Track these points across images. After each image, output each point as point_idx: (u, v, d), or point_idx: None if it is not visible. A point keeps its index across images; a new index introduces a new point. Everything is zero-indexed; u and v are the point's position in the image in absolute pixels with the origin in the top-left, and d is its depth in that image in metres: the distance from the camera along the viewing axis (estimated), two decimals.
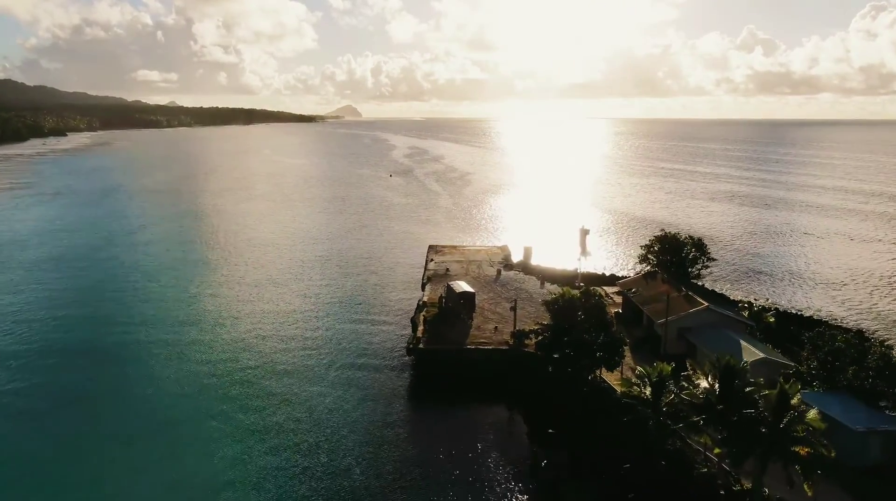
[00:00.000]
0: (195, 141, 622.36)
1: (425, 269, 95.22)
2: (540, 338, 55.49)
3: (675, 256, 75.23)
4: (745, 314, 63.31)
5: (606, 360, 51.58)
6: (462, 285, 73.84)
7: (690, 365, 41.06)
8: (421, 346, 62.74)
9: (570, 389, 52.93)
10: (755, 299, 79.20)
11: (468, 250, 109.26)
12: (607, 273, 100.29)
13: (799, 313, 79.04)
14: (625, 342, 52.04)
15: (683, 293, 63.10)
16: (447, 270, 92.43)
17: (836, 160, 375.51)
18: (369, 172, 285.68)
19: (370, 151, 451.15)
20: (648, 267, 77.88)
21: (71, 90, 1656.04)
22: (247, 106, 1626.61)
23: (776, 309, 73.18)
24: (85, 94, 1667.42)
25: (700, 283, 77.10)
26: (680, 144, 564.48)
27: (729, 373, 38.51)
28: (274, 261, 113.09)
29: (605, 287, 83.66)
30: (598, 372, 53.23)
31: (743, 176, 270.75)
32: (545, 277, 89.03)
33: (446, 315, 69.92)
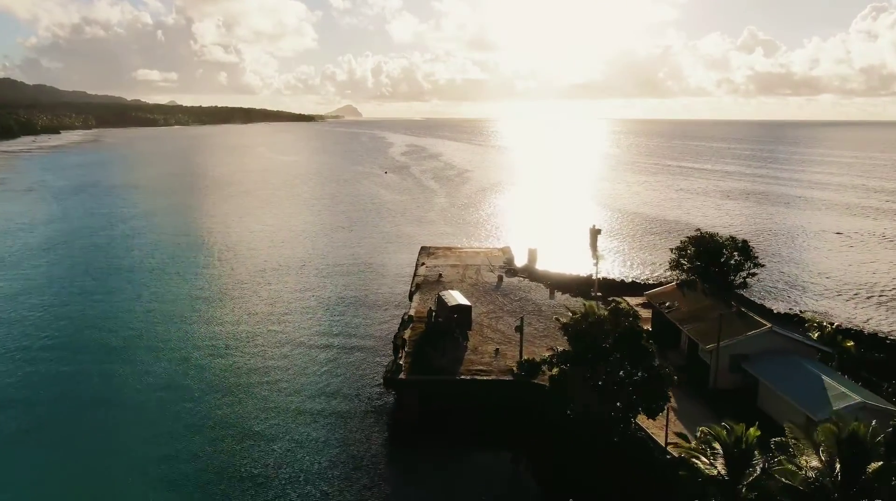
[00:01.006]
0: (188, 139, 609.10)
1: (414, 275, 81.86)
2: (555, 371, 42.12)
3: (713, 261, 61.89)
4: (815, 336, 49.92)
5: (647, 404, 38.25)
6: (455, 297, 60.39)
7: (789, 430, 27.66)
8: (402, 376, 49.38)
9: (596, 440, 39.60)
10: (823, 318, 63.26)
11: (465, 252, 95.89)
12: (627, 280, 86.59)
13: (885, 337, 63.76)
14: (672, 378, 38.77)
15: (735, 310, 49.67)
16: (440, 276, 79.09)
17: (846, 158, 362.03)
18: (363, 169, 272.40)
19: (366, 149, 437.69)
20: (682, 274, 64.56)
21: (70, 89, 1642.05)
22: (247, 106, 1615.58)
23: (854, 331, 59.69)
24: (84, 93, 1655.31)
25: (743, 294, 63.76)
26: (684, 143, 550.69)
27: (855, 445, 25.18)
28: (244, 264, 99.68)
29: (626, 298, 70.23)
30: (634, 419, 39.88)
31: (755, 173, 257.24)
32: (555, 284, 75.58)
33: (435, 334, 56.56)
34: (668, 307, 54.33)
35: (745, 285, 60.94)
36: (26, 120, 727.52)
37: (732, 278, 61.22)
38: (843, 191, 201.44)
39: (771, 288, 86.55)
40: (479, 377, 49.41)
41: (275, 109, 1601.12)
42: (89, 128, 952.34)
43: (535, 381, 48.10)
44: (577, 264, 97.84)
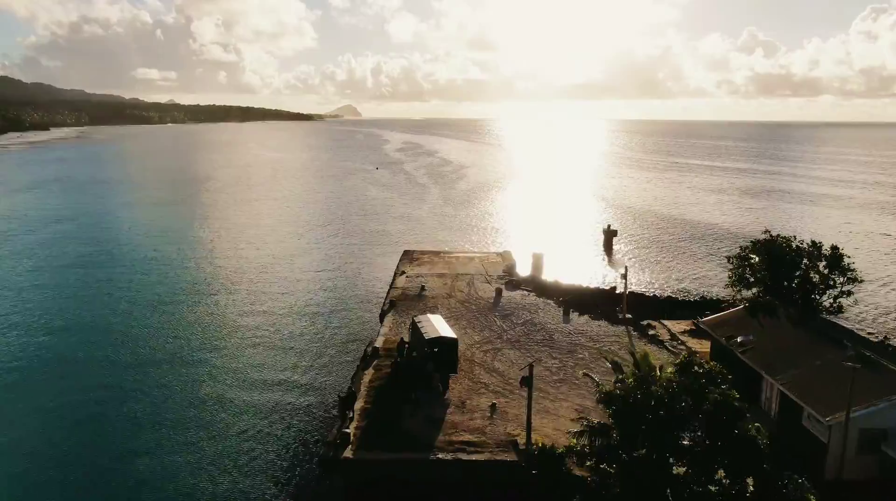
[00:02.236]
0: (178, 135, 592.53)
1: (390, 287, 64.84)
2: (591, 462, 25.23)
3: (788, 274, 45.16)
4: None
5: None
6: (436, 325, 43.11)
7: None
8: (349, 453, 32.42)
9: None
10: None
11: (456, 257, 78.94)
12: (660, 294, 69.03)
13: None
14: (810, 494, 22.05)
15: (854, 353, 32.55)
16: (422, 289, 62.16)
17: (860, 156, 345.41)
18: (354, 166, 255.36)
19: (361, 146, 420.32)
20: (739, 289, 47.80)
21: (69, 88, 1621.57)
22: (247, 105, 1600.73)
23: None
24: (82, 91, 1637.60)
25: (829, 319, 46.90)
26: (689, 141, 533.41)
27: None
28: (183, 272, 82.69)
29: (664, 321, 53.35)
30: None
31: (770, 170, 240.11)
32: (569, 300, 58.57)
33: (406, 380, 39.61)
34: (744, 345, 37.32)
35: (838, 309, 43.88)
36: (15, 117, 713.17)
37: (817, 298, 44.37)
38: (870, 189, 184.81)
39: (870, 313, 66.92)
40: (464, 456, 32.47)
41: (273, 109, 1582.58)
42: (81, 125, 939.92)
43: (553, 457, 31.27)
44: (592, 273, 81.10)
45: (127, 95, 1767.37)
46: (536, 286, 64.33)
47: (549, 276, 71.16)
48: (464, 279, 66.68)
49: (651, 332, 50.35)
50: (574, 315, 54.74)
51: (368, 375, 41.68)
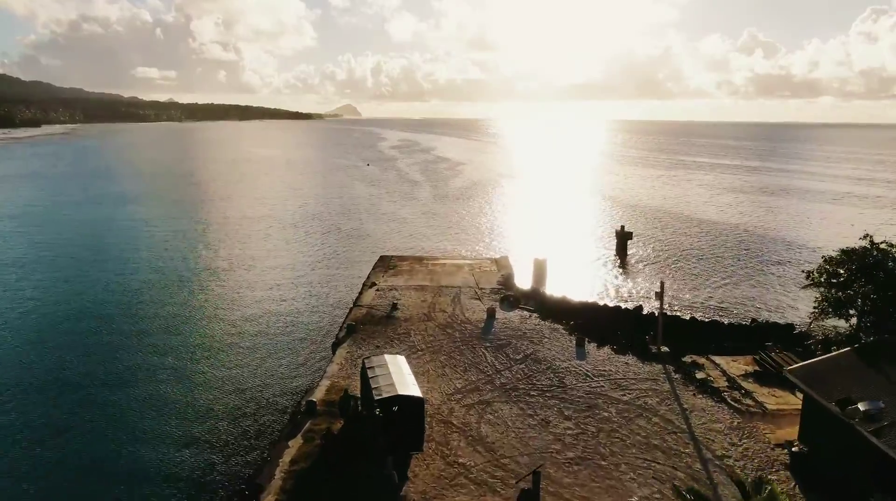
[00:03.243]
0: (172, 133, 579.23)
1: (354, 305, 51.03)
2: None
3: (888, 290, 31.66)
4: None
5: None
6: (393, 375, 28.89)
7: None
8: None
9: None
10: None
11: (443, 264, 65.27)
12: (700, 317, 54.13)
13: None
14: None
15: None
16: (393, 307, 48.56)
17: (872, 156, 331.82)
18: (344, 162, 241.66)
19: (356, 143, 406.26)
20: (822, 315, 34.26)
21: (68, 87, 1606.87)
22: (246, 104, 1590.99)
23: None
24: (81, 90, 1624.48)
25: None
26: (692, 140, 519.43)
27: None
28: (130, 274, 68.93)
29: (712, 357, 39.60)
30: None
31: (782, 169, 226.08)
32: (581, 324, 44.87)
33: (349, 458, 25.96)
34: (874, 417, 23.60)
35: None
36: (6, 113, 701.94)
37: None
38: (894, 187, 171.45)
39: None
40: None
41: (272, 108, 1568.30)
42: (75, 122, 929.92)
43: None
44: (607, 284, 67.43)
45: (126, 93, 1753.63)
46: (539, 304, 50.66)
47: (554, 288, 57.61)
48: (448, 294, 53.05)
49: (699, 374, 36.65)
50: (590, 347, 41.07)
51: (293, 449, 28.05)
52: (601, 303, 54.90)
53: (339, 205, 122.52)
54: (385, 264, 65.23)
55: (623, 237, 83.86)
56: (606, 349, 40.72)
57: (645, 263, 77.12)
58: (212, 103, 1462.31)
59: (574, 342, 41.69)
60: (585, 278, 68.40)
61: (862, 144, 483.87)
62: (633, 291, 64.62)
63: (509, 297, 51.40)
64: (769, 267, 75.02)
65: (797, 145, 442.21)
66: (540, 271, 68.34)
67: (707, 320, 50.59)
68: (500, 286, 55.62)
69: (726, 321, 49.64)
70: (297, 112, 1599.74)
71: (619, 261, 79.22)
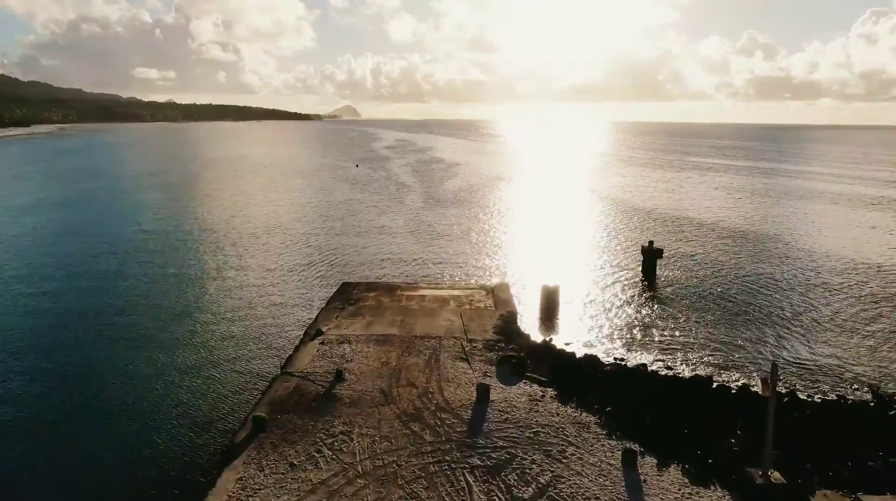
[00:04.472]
0: (163, 132, 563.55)
1: (280, 373, 34.44)
2: None
3: None
4: None
5: None
6: None
7: None
8: None
9: None
10: None
11: (421, 296, 48.86)
12: (823, 398, 35.81)
13: None
14: None
15: None
16: (337, 377, 32.27)
17: (888, 157, 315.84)
18: (332, 162, 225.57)
19: (350, 143, 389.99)
20: None
21: (67, 87, 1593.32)
22: (245, 105, 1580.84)
23: None
24: (80, 90, 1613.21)
25: None
26: (699, 140, 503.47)
27: None
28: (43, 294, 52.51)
29: (867, 498, 23.20)
30: None
31: (802, 171, 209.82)
32: (627, 410, 28.43)
33: None
34: None
35: None
36: None
37: None
38: None
39: None
40: None
41: (271, 108, 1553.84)
42: (68, 122, 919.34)
43: None
44: (638, 322, 50.93)
45: (126, 94, 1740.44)
46: (555, 367, 34.28)
47: (570, 328, 41.38)
48: (423, 350, 36.70)
49: None
50: (646, 467, 24.65)
51: None
52: (645, 364, 38.33)
53: (312, 212, 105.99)
54: (345, 296, 48.91)
55: (651, 256, 67.42)
56: (673, 472, 24.33)
57: (686, 291, 60.26)
58: (210, 104, 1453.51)
59: (619, 456, 25.26)
60: (611, 315, 51.90)
61: (874, 145, 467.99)
62: (682, 337, 47.36)
63: (511, 358, 34.94)
64: (882, 302, 58.00)
65: (807, 146, 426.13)
66: (550, 303, 52.21)
67: (839, 404, 32.68)
68: (497, 338, 39.22)
69: (854, 407, 32.45)
70: (296, 113, 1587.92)
71: (647, 286, 62.86)
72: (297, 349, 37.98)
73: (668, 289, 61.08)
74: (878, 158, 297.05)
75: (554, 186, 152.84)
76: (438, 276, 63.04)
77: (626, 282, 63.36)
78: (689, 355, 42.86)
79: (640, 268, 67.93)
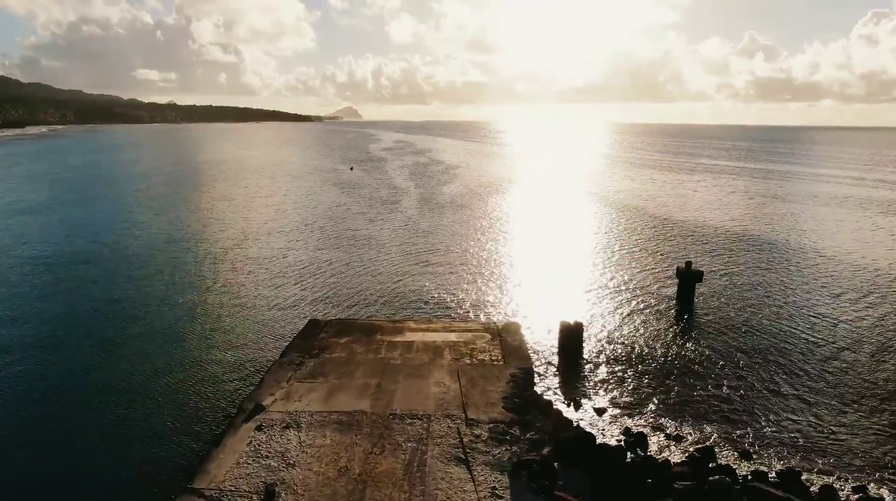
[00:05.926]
0: (157, 133, 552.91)
1: (185, 491, 23.31)
2: None
3: None
4: None
5: None
6: None
7: None
8: None
9: None
10: None
11: (407, 344, 37.63)
12: None
13: None
14: None
15: None
16: (266, 497, 21.07)
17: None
18: (326, 164, 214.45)
19: (347, 145, 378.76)
20: None
21: (68, 88, 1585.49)
22: (245, 106, 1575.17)
23: None
24: (81, 91, 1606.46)
25: None
26: (704, 142, 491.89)
27: None
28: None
29: None
30: None
31: (821, 174, 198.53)
32: None
33: None
34: None
35: None
36: None
37: None
38: None
39: None
40: None
41: (271, 110, 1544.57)
42: (65, 124, 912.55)
43: None
44: (686, 369, 39.62)
45: (127, 96, 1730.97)
46: (598, 475, 23.09)
47: (611, 396, 30.39)
48: (403, 443, 25.51)
49: None
50: None
51: None
52: (726, 462, 26.81)
53: (293, 223, 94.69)
54: (308, 342, 37.77)
55: (689, 280, 56.25)
56: None
57: (734, 321, 49.05)
58: (210, 105, 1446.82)
59: None
60: (650, 364, 40.58)
61: (884, 146, 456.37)
62: (758, 401, 36.16)
63: (531, 464, 23.70)
64: None
65: (816, 148, 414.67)
66: (571, 345, 41.55)
67: None
68: (509, 418, 27.99)
69: None
70: (296, 114, 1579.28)
71: (686, 317, 51.68)
72: (220, 439, 26.74)
73: (711, 320, 49.73)
74: (890, 159, 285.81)
75: (561, 192, 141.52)
76: (431, 307, 51.63)
77: (659, 312, 52.03)
78: (772, 420, 31.51)
79: (675, 294, 56.82)
